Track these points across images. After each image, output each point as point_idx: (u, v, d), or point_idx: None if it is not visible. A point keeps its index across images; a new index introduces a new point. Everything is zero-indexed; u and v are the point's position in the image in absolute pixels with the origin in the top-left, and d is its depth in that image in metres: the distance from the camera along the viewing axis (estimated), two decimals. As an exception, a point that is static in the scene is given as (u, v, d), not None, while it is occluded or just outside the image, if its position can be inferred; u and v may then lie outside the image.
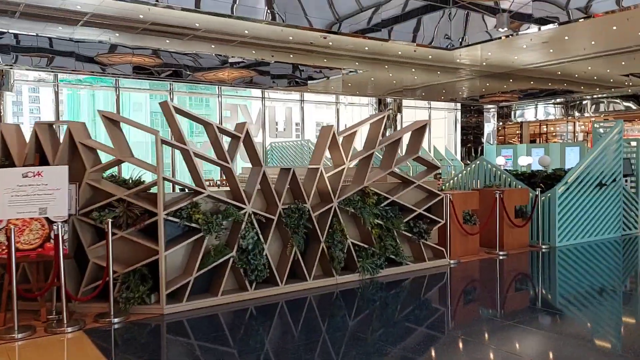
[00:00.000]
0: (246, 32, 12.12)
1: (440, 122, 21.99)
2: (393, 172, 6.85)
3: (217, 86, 15.14)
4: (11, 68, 11.72)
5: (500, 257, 7.88)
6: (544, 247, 8.46)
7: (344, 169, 6.34)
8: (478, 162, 9.77)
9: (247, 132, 5.64)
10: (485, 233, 8.30)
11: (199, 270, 5.30)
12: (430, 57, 14.65)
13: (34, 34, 11.32)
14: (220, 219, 5.39)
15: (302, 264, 5.97)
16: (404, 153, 7.29)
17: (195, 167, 5.40)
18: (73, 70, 12.19)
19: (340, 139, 6.37)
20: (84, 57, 12.05)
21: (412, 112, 19.76)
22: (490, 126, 22.76)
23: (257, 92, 16.22)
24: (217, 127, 5.48)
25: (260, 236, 5.67)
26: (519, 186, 8.84)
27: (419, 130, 7.09)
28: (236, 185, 5.58)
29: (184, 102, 18.79)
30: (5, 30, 10.97)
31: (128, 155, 5.37)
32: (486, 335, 4.61)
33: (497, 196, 8.02)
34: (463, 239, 7.84)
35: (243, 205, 5.60)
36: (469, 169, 9.93)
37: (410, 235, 6.91)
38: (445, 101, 20.88)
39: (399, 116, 18.46)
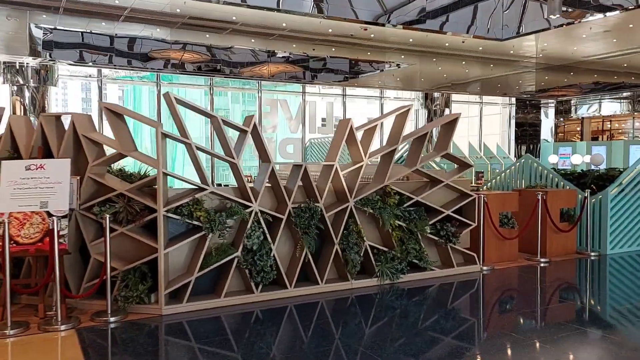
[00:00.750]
0: (284, 24, 11.85)
1: (494, 118, 20.91)
2: (418, 170, 6.35)
3: (257, 81, 14.97)
4: (54, 63, 12.01)
5: (542, 265, 7.20)
6: (592, 254, 7.67)
7: (362, 165, 5.92)
8: (523, 160, 9.04)
9: (255, 125, 5.32)
10: (525, 238, 7.63)
11: (200, 270, 5.05)
12: (480, 48, 13.84)
13: (78, 30, 11.53)
14: (224, 217, 5.11)
15: (314, 267, 5.61)
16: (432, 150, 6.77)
17: (198, 162, 5.15)
18: (115, 66, 12.34)
19: (359, 134, 5.95)
20: (127, 53, 12.18)
21: (462, 107, 18.91)
22: (548, 122, 21.41)
23: (297, 87, 15.94)
24: (222, 119, 5.20)
25: (268, 236, 5.35)
26: (567, 187, 8.07)
27: (449, 125, 6.54)
28: (242, 182, 5.29)
29: (236, 98, 18.82)
30: (51, 27, 11.22)
31: (131, 149, 5.18)
32: (513, 354, 4.08)
33: (540, 197, 7.32)
34: (499, 244, 7.21)
35: (249, 204, 5.30)
36: (512, 167, 9.21)
37: (436, 238, 6.39)
38: (499, 95, 19.80)
39: (447, 111, 17.62)
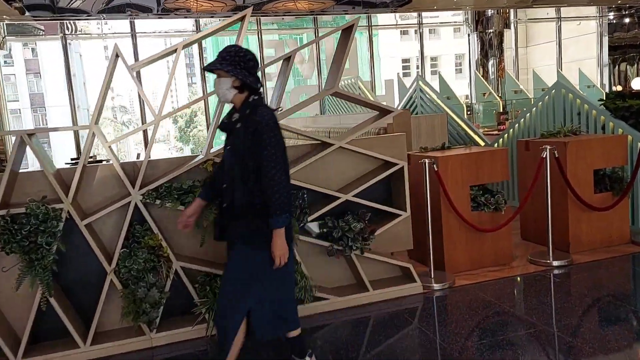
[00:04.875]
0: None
1: (578, 39, 16.36)
2: (288, 127, 3.58)
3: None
4: None
5: (555, 272, 4.15)
6: (658, 246, 4.42)
7: (153, 128, 3.32)
8: (553, 90, 5.73)
9: None
10: (532, 219, 4.58)
11: None
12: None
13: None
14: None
15: (69, 324, 3.20)
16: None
17: None
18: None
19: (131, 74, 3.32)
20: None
21: (532, 27, 14.82)
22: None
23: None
24: None
25: None
26: (620, 130, 4.76)
27: (345, 35, 3.66)
28: None
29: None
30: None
31: None
32: None
33: (547, 154, 4.18)
34: (474, 241, 4.25)
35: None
36: (539, 103, 5.93)
37: (326, 244, 3.65)
38: (584, 4, 15.13)
39: (506, 34, 13.67)
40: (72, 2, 9.71)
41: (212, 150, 3.38)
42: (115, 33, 12.07)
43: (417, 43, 14.24)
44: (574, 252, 4.42)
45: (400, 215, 3.80)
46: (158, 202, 3.32)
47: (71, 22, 10.85)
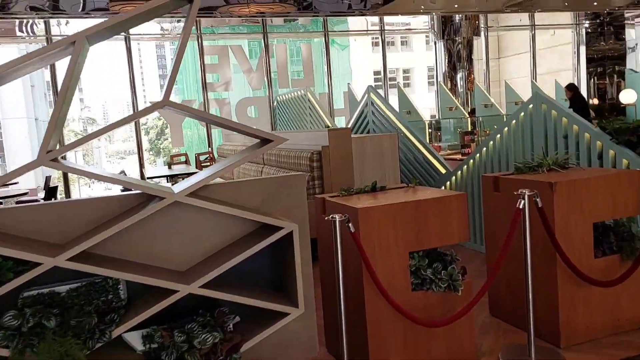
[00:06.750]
0: None
1: (553, 50, 15.23)
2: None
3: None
4: None
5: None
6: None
7: None
8: (530, 105, 4.34)
9: None
10: (506, 292, 3.14)
11: None
12: None
13: None
14: None
15: None
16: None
17: None
18: None
19: None
20: None
21: (504, 38, 13.65)
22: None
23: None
24: None
25: None
26: (624, 161, 3.38)
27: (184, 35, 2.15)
28: None
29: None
30: None
31: None
32: None
33: (525, 202, 2.74)
34: (417, 337, 2.76)
35: None
36: (513, 121, 4.53)
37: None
38: (562, 10, 13.93)
39: (476, 44, 12.41)
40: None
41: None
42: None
43: (393, 54, 12.92)
44: (566, 345, 2.98)
45: (289, 314, 2.30)
46: None
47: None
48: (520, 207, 2.74)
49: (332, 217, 2.47)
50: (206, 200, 2.21)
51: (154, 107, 2.06)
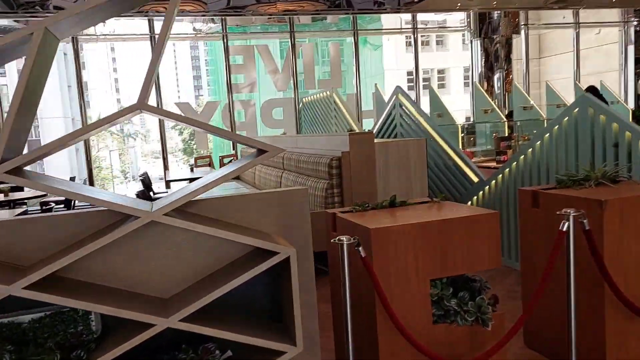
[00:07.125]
0: None
1: (600, 49, 14.43)
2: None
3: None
4: None
5: None
6: None
7: None
8: (576, 109, 3.90)
9: None
10: (544, 324, 2.73)
11: None
12: None
13: None
14: None
15: None
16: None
17: None
18: None
19: None
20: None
21: (545, 38, 12.95)
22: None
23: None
24: None
25: None
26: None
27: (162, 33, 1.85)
28: None
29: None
30: None
31: None
32: None
33: (570, 224, 2.34)
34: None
35: None
36: (556, 127, 4.09)
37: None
38: (608, 6, 13.18)
39: (515, 43, 11.83)
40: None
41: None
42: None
43: (427, 54, 12.45)
44: (616, 390, 2.56)
45: (285, 353, 1.98)
46: None
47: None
48: (564, 229, 2.34)
49: (339, 240, 2.13)
50: (190, 219, 1.91)
51: (127, 110, 1.77)
